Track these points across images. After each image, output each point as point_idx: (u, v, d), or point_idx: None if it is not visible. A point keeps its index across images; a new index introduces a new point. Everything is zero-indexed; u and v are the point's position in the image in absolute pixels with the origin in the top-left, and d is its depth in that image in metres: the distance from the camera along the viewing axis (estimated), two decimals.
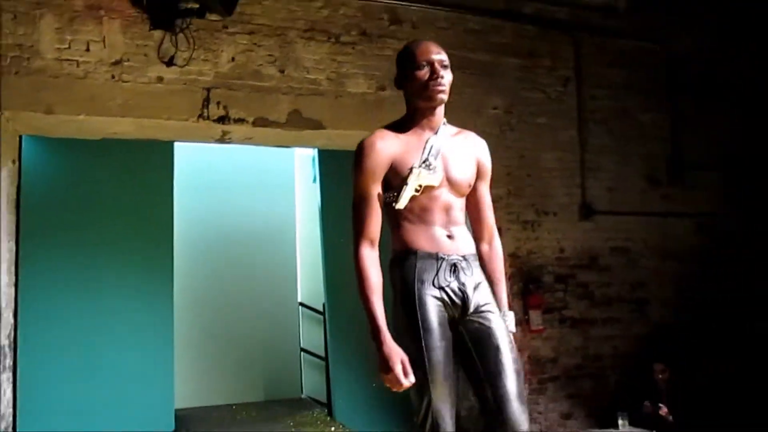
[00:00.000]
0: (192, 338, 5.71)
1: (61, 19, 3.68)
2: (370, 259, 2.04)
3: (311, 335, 6.17)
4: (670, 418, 4.39)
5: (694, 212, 5.14)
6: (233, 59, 3.99)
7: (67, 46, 3.68)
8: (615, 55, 5.08)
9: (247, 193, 6.20)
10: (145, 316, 4.26)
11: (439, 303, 2.04)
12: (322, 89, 4.17)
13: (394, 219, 2.11)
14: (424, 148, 2.08)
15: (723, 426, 4.10)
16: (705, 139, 5.25)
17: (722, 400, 4.42)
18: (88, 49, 3.71)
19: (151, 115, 3.83)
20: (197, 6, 3.79)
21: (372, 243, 2.05)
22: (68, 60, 3.67)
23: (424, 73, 2.05)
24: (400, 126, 2.13)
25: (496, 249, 2.28)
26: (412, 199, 2.05)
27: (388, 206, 2.08)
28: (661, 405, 4.45)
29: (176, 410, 4.51)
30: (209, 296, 6.01)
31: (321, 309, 5.54)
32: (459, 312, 2.07)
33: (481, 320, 2.08)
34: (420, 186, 2.04)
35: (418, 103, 2.10)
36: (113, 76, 3.75)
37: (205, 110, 3.93)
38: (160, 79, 3.83)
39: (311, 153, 5.55)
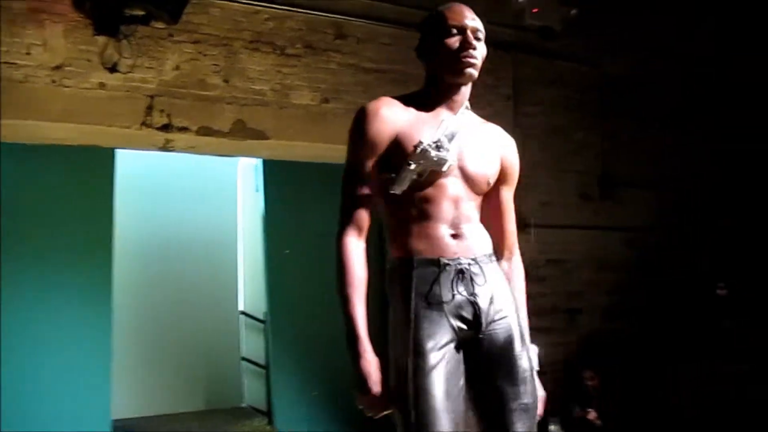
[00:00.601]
0: (131, 347, 5.63)
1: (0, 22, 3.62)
2: (356, 249, 1.70)
3: (252, 344, 6.16)
4: (599, 422, 4.59)
5: (623, 226, 5.39)
6: (178, 67, 3.99)
7: (6, 49, 3.62)
8: (552, 75, 5.29)
9: (189, 201, 6.17)
10: (82, 324, 4.19)
11: (440, 320, 1.66)
12: (266, 100, 4.21)
13: (390, 212, 1.76)
14: (439, 126, 1.73)
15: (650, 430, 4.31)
16: (634, 157, 5.52)
17: (650, 405, 4.65)
18: (28, 53, 3.66)
19: (93, 122, 3.79)
20: (142, 13, 3.78)
21: (360, 231, 1.72)
22: (8, 63, 3.61)
23: (454, 41, 1.73)
24: (413, 99, 1.79)
25: (516, 268, 1.92)
26: (414, 186, 1.70)
27: (383, 191, 1.73)
28: (589, 410, 4.64)
29: (113, 421, 4.45)
30: (149, 304, 5.94)
31: (262, 318, 5.56)
32: (471, 328, 1.69)
33: (495, 346, 1.71)
34: (424, 170, 1.68)
35: (443, 76, 1.76)
36: (54, 81, 3.70)
37: (148, 118, 3.92)
38: (102, 86, 3.81)
39: (255, 162, 5.57)
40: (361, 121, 1.73)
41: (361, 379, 1.61)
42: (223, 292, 6.35)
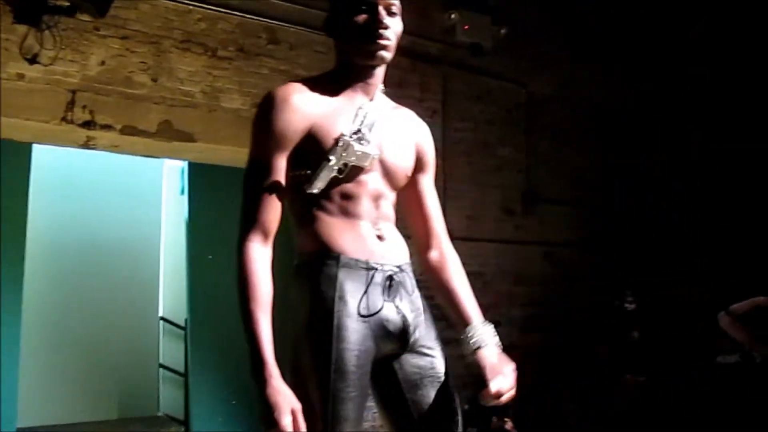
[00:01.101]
0: (41, 352, 5.41)
1: None
2: (261, 259, 1.46)
3: (171, 351, 6.02)
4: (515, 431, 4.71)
5: (542, 241, 5.57)
6: (103, 63, 3.88)
7: None
8: (479, 91, 5.42)
9: (110, 201, 5.99)
10: None
11: (367, 334, 1.46)
12: (195, 102, 4.14)
13: (303, 208, 1.54)
14: (356, 115, 1.54)
15: None
16: (556, 175, 5.72)
17: (565, 416, 4.80)
18: None
19: (9, 114, 3.63)
20: (67, 4, 3.67)
21: (266, 236, 1.48)
22: None
23: (363, 18, 1.52)
24: (325, 82, 1.58)
25: (449, 254, 1.75)
26: (332, 182, 1.50)
27: (296, 189, 1.51)
28: (506, 419, 4.75)
29: (19, 429, 4.25)
30: (63, 308, 5.72)
31: (183, 324, 5.43)
32: (396, 346, 1.53)
33: (421, 361, 1.57)
34: (345, 165, 1.49)
35: (353, 58, 1.56)
36: None
37: (69, 113, 3.79)
38: (21, 77, 3.65)
39: (181, 164, 5.47)
40: (268, 110, 1.51)
41: (267, 410, 1.34)
42: (143, 296, 6.18)
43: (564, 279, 5.63)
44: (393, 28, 1.54)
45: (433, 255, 1.73)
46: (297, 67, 4.47)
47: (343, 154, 1.48)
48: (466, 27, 5.12)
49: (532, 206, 5.54)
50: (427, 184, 1.75)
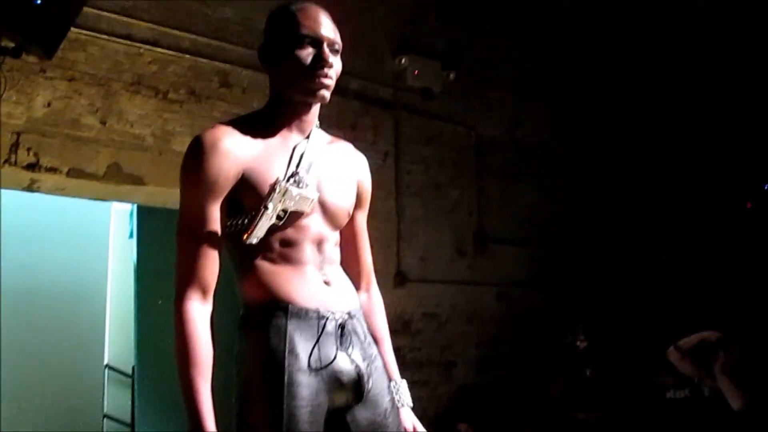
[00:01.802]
0: None
1: None
2: (199, 318, 1.36)
3: (117, 400, 5.80)
4: None
5: (495, 281, 5.63)
6: (49, 105, 3.81)
7: None
8: (430, 134, 5.51)
9: (55, 245, 5.80)
10: None
11: (320, 388, 1.38)
12: (145, 144, 4.09)
13: (243, 256, 1.43)
14: (291, 156, 1.45)
15: None
16: (506, 215, 5.82)
17: None
18: None
19: None
20: (13, 45, 3.60)
21: (204, 293, 1.38)
22: None
23: (307, 54, 1.43)
24: (257, 122, 1.48)
25: (375, 299, 1.69)
26: (272, 229, 1.40)
27: (233, 239, 1.41)
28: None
29: None
30: (3, 354, 5.47)
31: (130, 372, 5.26)
32: (350, 397, 1.45)
33: (375, 413, 1.47)
34: (284, 212, 1.39)
35: (291, 94, 1.47)
36: None
37: (13, 155, 3.68)
38: None
39: (129, 207, 5.36)
40: (197, 157, 1.39)
41: None
42: (88, 343, 5.96)
43: (517, 318, 5.68)
44: (335, 66, 1.47)
45: (363, 298, 1.65)
46: (250, 110, 4.45)
47: (281, 201, 1.38)
48: (416, 72, 5.23)
49: (484, 246, 5.61)
50: (362, 221, 1.69)
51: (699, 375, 4.07)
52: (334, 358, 1.40)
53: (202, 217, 1.38)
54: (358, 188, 1.62)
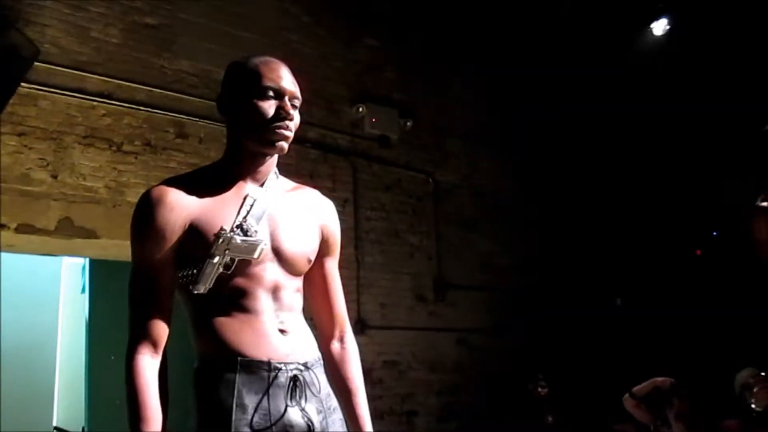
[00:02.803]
0: None
1: None
2: (149, 372, 1.35)
3: None
4: None
5: (455, 327, 5.62)
6: None
7: None
8: (389, 181, 5.56)
9: (2, 300, 5.60)
10: None
11: None
12: (98, 197, 4.02)
13: (195, 308, 1.44)
14: (242, 205, 1.45)
15: None
16: (465, 261, 5.85)
17: None
18: None
19: None
20: None
21: (155, 347, 1.38)
22: None
23: (268, 106, 1.45)
24: (211, 174, 1.51)
25: (349, 349, 1.63)
26: (223, 279, 1.40)
27: (185, 291, 1.41)
28: None
29: None
30: None
31: None
32: None
33: None
34: (231, 260, 1.38)
35: (249, 144, 1.48)
36: None
37: None
38: None
39: (81, 261, 5.23)
40: (142, 212, 1.41)
41: None
42: (36, 404, 5.71)
43: (478, 364, 5.66)
44: (295, 119, 1.48)
45: (335, 347, 1.62)
46: (206, 160, 4.42)
47: (227, 250, 1.37)
48: (374, 120, 5.30)
49: (443, 292, 5.61)
50: (332, 267, 1.66)
51: (654, 422, 4.11)
52: (284, 412, 1.37)
53: (150, 271, 1.39)
54: (323, 234, 1.61)
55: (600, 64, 6.47)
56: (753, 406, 3.24)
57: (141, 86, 4.23)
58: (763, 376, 3.60)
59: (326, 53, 5.22)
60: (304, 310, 1.56)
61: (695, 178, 7.37)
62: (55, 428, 5.73)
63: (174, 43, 4.42)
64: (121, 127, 4.18)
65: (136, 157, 4.20)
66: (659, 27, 6.12)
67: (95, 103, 4.05)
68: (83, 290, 5.07)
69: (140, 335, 1.37)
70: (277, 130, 1.45)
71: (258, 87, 1.45)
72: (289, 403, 1.38)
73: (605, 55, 6.40)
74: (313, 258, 1.56)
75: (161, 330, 1.39)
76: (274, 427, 1.36)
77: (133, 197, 4.13)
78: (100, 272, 4.69)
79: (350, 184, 5.30)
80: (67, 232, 3.87)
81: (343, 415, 1.54)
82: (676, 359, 6.22)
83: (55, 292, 5.92)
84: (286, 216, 1.51)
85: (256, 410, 1.35)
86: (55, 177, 3.88)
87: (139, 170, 4.20)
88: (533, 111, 6.52)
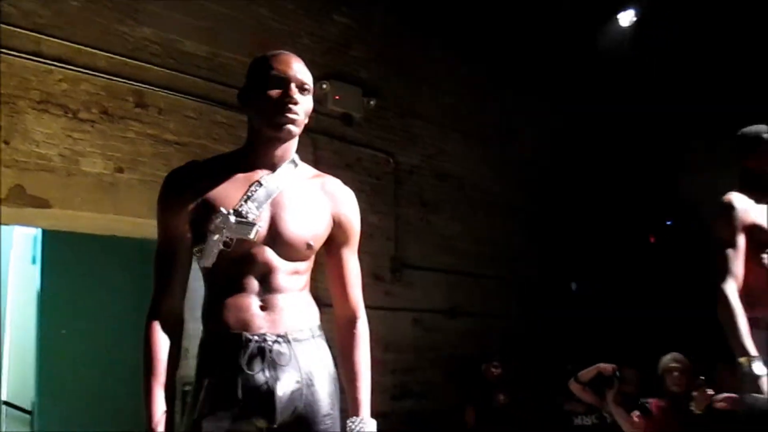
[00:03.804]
0: None
1: None
2: (160, 329, 1.53)
3: None
4: None
5: (411, 308, 5.67)
6: None
7: None
8: (350, 159, 5.54)
9: None
10: None
11: (236, 413, 1.48)
12: (52, 165, 3.91)
13: (205, 283, 1.63)
14: (248, 189, 1.59)
15: None
16: (424, 242, 5.89)
17: None
18: None
19: None
20: None
21: (169, 308, 1.56)
22: None
23: (275, 93, 1.58)
24: (230, 159, 1.67)
25: (358, 336, 1.76)
26: (224, 255, 1.54)
27: (198, 265, 1.61)
28: None
29: None
30: None
31: (29, 408, 4.94)
32: (263, 422, 1.51)
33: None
34: (230, 239, 1.53)
35: (262, 130, 1.62)
36: None
37: None
38: None
39: (33, 232, 5.09)
40: (163, 189, 1.62)
41: None
42: None
43: (433, 344, 5.73)
44: (303, 104, 1.61)
45: (344, 332, 1.74)
46: (166, 132, 4.37)
47: (223, 228, 1.51)
48: (337, 97, 5.26)
49: (401, 273, 5.65)
50: (346, 255, 1.77)
51: (599, 404, 4.26)
52: (248, 379, 1.48)
53: (169, 243, 1.58)
54: (335, 222, 1.72)
55: (569, 51, 6.55)
56: (692, 409, 3.39)
57: (101, 52, 4.11)
58: (685, 362, 3.75)
59: (294, 28, 5.16)
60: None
61: (653, 169, 7.54)
62: (4, 403, 5.62)
63: (138, 10, 4.30)
64: (78, 93, 4.06)
65: (92, 125, 4.10)
66: (626, 18, 6.22)
67: (52, 67, 3.92)
68: (34, 261, 4.95)
69: (158, 300, 1.56)
70: (282, 114, 1.57)
71: (267, 77, 1.59)
72: (253, 370, 1.49)
73: (574, 43, 6.49)
74: (315, 244, 1.65)
75: (174, 299, 1.57)
76: (240, 392, 1.48)
77: (89, 166, 4.04)
78: (53, 243, 4.58)
79: (311, 162, 5.13)
80: (18, 201, 3.76)
81: (348, 392, 1.67)
82: (627, 344, 6.40)
83: (4, 262, 5.77)
84: (294, 202, 1.62)
85: (223, 377, 1.49)
86: (6, 143, 3.76)
87: (95, 139, 4.09)
88: (501, 95, 6.57)
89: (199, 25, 4.57)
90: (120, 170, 4.13)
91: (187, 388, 3.25)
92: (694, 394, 3.48)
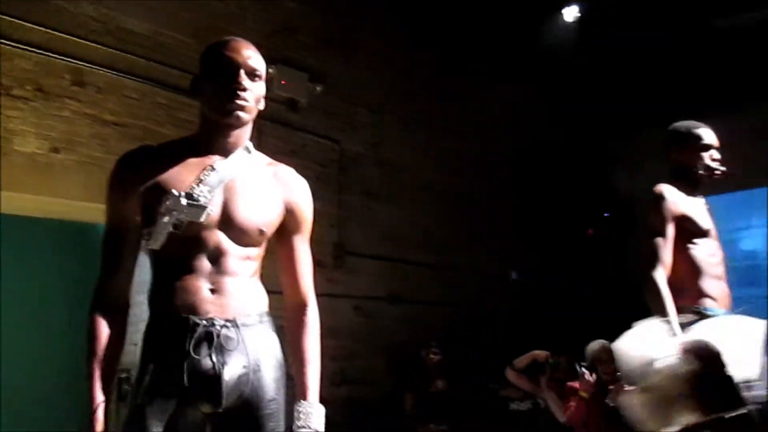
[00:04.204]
0: None
1: None
2: (105, 312, 1.54)
3: None
4: None
5: (352, 295, 5.70)
6: None
7: None
8: (294, 145, 5.51)
9: None
10: None
11: (180, 397, 1.48)
12: None
13: (152, 266, 1.61)
14: (202, 173, 1.58)
15: None
16: (366, 230, 5.92)
17: None
18: None
19: None
20: None
21: (116, 291, 1.57)
22: None
23: (224, 80, 1.58)
24: (182, 144, 1.66)
25: (307, 322, 1.77)
26: (173, 238, 1.54)
27: (145, 248, 1.59)
28: None
29: None
30: None
31: None
32: (209, 407, 1.52)
33: (240, 424, 1.54)
34: (180, 221, 1.52)
35: (211, 116, 1.62)
36: None
37: None
38: None
39: None
40: (114, 171, 1.61)
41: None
42: None
43: (373, 331, 5.78)
44: (253, 90, 1.61)
45: (294, 319, 1.75)
46: (104, 112, 4.26)
47: (174, 211, 1.51)
48: (284, 82, 5.22)
49: (342, 259, 5.67)
50: (298, 243, 1.76)
51: (533, 390, 4.40)
52: (195, 362, 1.49)
53: (115, 225, 1.58)
54: (288, 211, 1.71)
55: (513, 42, 6.66)
56: (607, 401, 3.54)
57: (37, 27, 3.96)
58: (610, 349, 3.88)
59: (241, 11, 5.07)
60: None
61: (590, 162, 7.75)
62: None
63: None
64: (12, 69, 3.91)
65: (26, 103, 3.96)
66: (570, 14, 6.36)
67: None
68: None
69: (100, 283, 1.56)
70: (231, 101, 1.57)
71: (217, 63, 1.59)
72: (200, 355, 1.49)
73: (518, 34, 6.60)
74: (267, 230, 1.66)
75: (121, 282, 1.58)
76: (186, 376, 1.47)
77: (22, 145, 3.91)
78: None
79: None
80: None
81: (296, 377, 1.69)
82: (563, 333, 6.59)
83: None
84: (246, 188, 1.63)
85: (168, 363, 1.48)
86: None
87: (29, 117, 3.96)
88: (444, 84, 6.63)
89: (142, 3, 4.45)
90: (56, 150, 4.01)
91: (123, 375, 3.21)
92: (611, 387, 3.60)
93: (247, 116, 1.63)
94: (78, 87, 4.19)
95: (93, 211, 4.18)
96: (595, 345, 3.97)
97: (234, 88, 1.58)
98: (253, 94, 1.62)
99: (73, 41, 4.12)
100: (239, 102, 1.58)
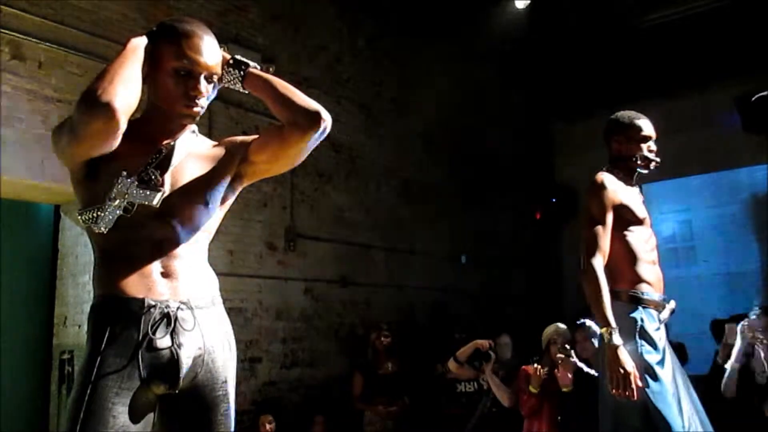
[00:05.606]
0: None
1: None
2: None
3: None
4: None
5: (303, 277, 5.69)
6: None
7: None
8: (246, 127, 5.44)
9: None
10: None
11: (135, 375, 1.46)
12: None
13: (97, 248, 1.55)
14: (151, 155, 1.55)
15: None
16: (318, 213, 5.91)
17: None
18: None
19: None
20: None
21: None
22: None
23: (183, 81, 1.54)
24: (132, 125, 1.53)
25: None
26: (121, 222, 1.49)
27: (89, 230, 1.52)
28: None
29: None
30: None
31: None
32: (164, 387, 1.50)
33: (194, 405, 1.54)
34: (131, 205, 1.48)
35: (161, 104, 1.57)
36: None
37: None
38: None
39: None
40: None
41: None
42: None
43: (324, 313, 5.79)
44: (208, 94, 1.58)
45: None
46: (46, 88, 4.12)
47: (126, 194, 1.48)
48: None
49: (294, 242, 5.64)
50: (253, 141, 1.72)
51: (479, 378, 4.49)
52: (151, 343, 1.47)
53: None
54: (231, 151, 1.67)
55: (465, 27, 6.69)
56: (560, 388, 3.61)
57: None
58: (567, 333, 3.95)
59: None
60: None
61: (537, 149, 7.89)
62: None
63: None
64: None
65: None
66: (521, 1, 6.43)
67: None
68: None
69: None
70: (186, 108, 1.54)
71: (177, 62, 1.52)
72: (157, 335, 1.47)
73: (469, 20, 6.63)
74: (212, 200, 1.61)
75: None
76: (141, 356, 1.46)
77: None
78: None
79: (206, 128, 5.12)
80: None
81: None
82: (507, 313, 6.72)
83: None
84: (194, 167, 1.60)
85: (126, 345, 1.46)
86: None
87: None
88: (394, 68, 6.63)
89: None
90: None
91: (66, 356, 3.13)
92: (557, 371, 3.67)
93: (198, 116, 1.59)
94: (17, 61, 4.04)
95: (34, 190, 4.08)
96: (550, 328, 4.03)
97: (192, 96, 1.54)
98: (208, 98, 1.60)
99: (11, 12, 3.97)
100: (195, 109, 1.56)
